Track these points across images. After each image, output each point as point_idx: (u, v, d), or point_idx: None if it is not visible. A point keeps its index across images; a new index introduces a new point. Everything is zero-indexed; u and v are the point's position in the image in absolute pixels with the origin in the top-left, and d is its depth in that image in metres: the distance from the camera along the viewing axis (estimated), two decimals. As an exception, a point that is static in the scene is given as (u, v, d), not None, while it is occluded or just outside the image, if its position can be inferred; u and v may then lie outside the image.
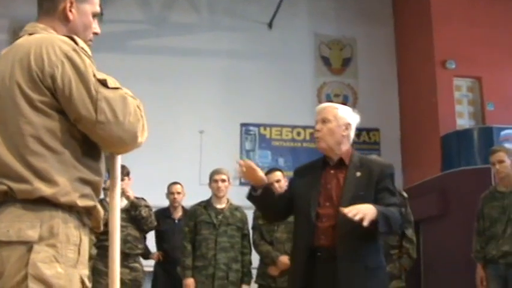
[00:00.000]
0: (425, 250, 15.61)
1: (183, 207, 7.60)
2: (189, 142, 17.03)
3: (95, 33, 2.45)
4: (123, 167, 6.31)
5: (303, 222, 3.78)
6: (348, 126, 3.95)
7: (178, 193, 7.54)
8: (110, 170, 2.53)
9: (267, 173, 6.33)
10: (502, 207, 5.96)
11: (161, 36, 17.68)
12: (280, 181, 6.14)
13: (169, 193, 7.45)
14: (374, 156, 6.39)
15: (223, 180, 6.36)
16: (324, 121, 3.94)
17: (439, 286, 15.00)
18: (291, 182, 4.23)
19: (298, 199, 3.94)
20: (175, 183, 7.52)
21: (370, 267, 3.66)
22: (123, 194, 6.32)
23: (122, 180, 6.28)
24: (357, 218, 3.38)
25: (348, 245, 3.62)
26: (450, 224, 14.55)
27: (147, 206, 6.66)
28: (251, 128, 18.33)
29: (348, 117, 3.99)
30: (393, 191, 3.79)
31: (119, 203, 2.51)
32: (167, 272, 7.21)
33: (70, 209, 2.15)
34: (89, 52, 2.30)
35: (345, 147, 3.92)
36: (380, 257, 3.77)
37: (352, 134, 4.00)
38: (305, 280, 3.72)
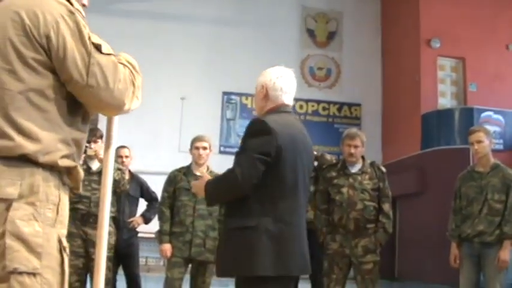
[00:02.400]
0: (401, 226, 15.80)
1: (130, 171, 7.56)
2: (170, 109, 17.01)
3: (83, 5, 2.40)
4: (96, 130, 6.29)
5: None
6: (262, 87, 3.81)
7: (127, 157, 7.50)
8: (107, 133, 2.56)
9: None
10: (479, 187, 6.01)
11: (145, 0, 17.52)
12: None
13: (118, 156, 7.38)
14: (347, 132, 6.38)
15: (204, 148, 6.35)
16: None
17: (413, 262, 15.19)
18: None
19: None
20: (123, 146, 7.47)
21: (231, 228, 3.57)
22: (96, 156, 6.29)
23: (95, 142, 6.24)
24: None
25: (225, 211, 3.74)
26: (427, 201, 14.70)
27: (120, 169, 6.61)
28: (233, 96, 18.35)
29: (261, 79, 3.85)
30: (243, 147, 3.59)
31: (111, 166, 2.52)
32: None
33: (51, 168, 2.13)
34: (84, 13, 2.27)
35: (268, 108, 3.82)
36: (253, 216, 3.49)
37: (275, 93, 3.80)
38: None
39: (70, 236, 6.11)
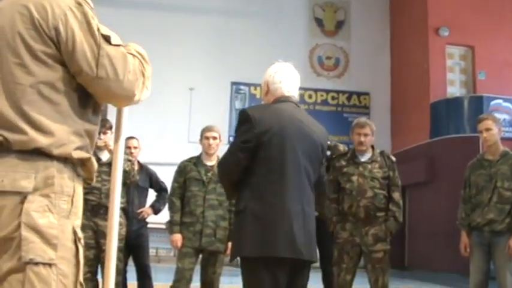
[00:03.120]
0: (411, 215, 15.80)
1: (139, 162, 7.58)
2: (179, 99, 17.04)
3: None
4: (106, 121, 6.29)
5: None
6: (264, 84, 4.10)
7: (135, 148, 7.51)
8: (116, 123, 2.57)
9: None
10: (489, 175, 5.99)
11: (154, -9, 17.51)
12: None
13: (126, 147, 7.39)
14: (356, 121, 6.42)
15: (214, 138, 6.35)
16: None
17: (423, 250, 15.20)
18: None
19: None
20: (131, 137, 7.48)
21: (235, 212, 3.95)
22: (106, 147, 6.30)
23: (105, 133, 6.25)
24: None
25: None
26: (437, 190, 14.69)
27: (129, 160, 6.63)
28: (241, 87, 18.37)
29: (265, 76, 4.11)
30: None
31: (121, 156, 2.53)
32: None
33: (65, 160, 2.15)
34: (92, 4, 2.27)
35: (270, 102, 4.07)
36: (242, 200, 3.77)
37: (274, 86, 4.04)
38: None
39: (80, 227, 6.16)
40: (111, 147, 6.33)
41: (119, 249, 6.51)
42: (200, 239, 6.13)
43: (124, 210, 6.74)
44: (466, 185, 6.22)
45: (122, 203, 6.55)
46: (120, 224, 6.52)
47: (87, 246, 6.13)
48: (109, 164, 6.21)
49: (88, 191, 6.17)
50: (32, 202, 2.03)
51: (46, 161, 2.08)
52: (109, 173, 6.28)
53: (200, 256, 6.33)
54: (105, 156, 6.42)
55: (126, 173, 6.49)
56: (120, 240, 6.51)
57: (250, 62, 17.12)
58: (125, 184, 6.63)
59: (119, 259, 6.52)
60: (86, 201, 6.11)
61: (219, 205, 6.19)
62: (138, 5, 17.36)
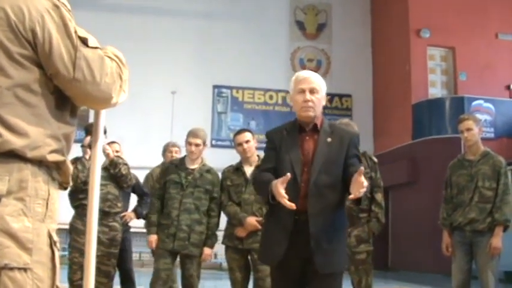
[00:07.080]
0: (394, 216, 15.86)
1: None
2: (161, 103, 17.00)
3: None
4: (92, 125, 6.27)
5: (288, 187, 3.68)
6: (325, 96, 4.21)
7: (117, 151, 7.50)
8: (94, 126, 2.56)
9: (236, 134, 6.29)
10: (470, 175, 6.02)
11: (135, -5, 17.48)
12: (250, 142, 6.09)
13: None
14: (338, 122, 6.39)
15: (196, 145, 6.23)
16: (313, 91, 4.08)
17: (406, 251, 15.26)
18: (271, 147, 4.18)
19: (281, 163, 4.00)
20: (113, 142, 7.47)
21: (337, 229, 3.87)
22: (103, 152, 6.29)
23: None
24: (360, 195, 3.50)
25: (320, 208, 3.78)
26: (419, 191, 14.76)
27: (126, 164, 6.66)
28: (223, 90, 18.36)
29: (325, 87, 4.20)
30: (360, 158, 4.07)
31: (100, 159, 2.51)
32: None
33: (39, 163, 2.11)
34: (69, 7, 2.25)
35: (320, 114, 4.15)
36: (344, 218, 4.04)
37: None
38: (288, 242, 3.85)
39: (76, 232, 6.16)
40: (109, 151, 6.39)
41: (113, 256, 6.52)
42: (173, 242, 6.06)
43: (113, 215, 6.71)
44: (447, 185, 6.25)
45: (119, 207, 6.59)
46: (117, 230, 6.53)
47: (81, 253, 6.10)
48: (104, 169, 6.23)
49: (84, 196, 6.14)
50: (6, 206, 1.99)
51: (20, 164, 2.05)
52: (106, 178, 6.33)
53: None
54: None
55: (122, 177, 6.54)
56: (115, 246, 6.51)
57: (232, 65, 17.15)
58: (122, 188, 6.66)
59: (112, 265, 6.53)
60: (82, 206, 6.15)
61: (195, 209, 6.09)
62: (119, 9, 17.32)
